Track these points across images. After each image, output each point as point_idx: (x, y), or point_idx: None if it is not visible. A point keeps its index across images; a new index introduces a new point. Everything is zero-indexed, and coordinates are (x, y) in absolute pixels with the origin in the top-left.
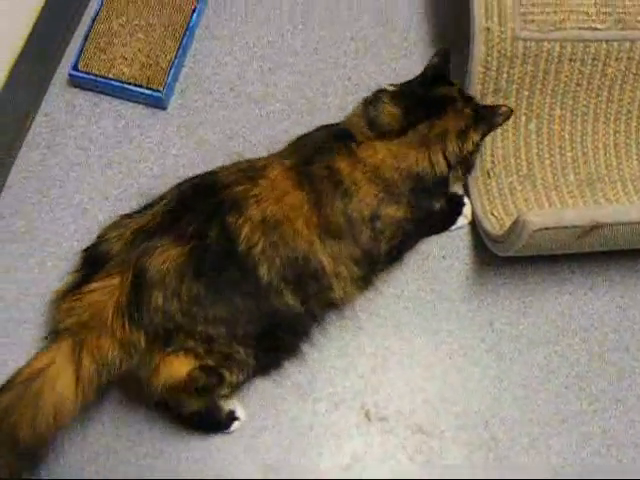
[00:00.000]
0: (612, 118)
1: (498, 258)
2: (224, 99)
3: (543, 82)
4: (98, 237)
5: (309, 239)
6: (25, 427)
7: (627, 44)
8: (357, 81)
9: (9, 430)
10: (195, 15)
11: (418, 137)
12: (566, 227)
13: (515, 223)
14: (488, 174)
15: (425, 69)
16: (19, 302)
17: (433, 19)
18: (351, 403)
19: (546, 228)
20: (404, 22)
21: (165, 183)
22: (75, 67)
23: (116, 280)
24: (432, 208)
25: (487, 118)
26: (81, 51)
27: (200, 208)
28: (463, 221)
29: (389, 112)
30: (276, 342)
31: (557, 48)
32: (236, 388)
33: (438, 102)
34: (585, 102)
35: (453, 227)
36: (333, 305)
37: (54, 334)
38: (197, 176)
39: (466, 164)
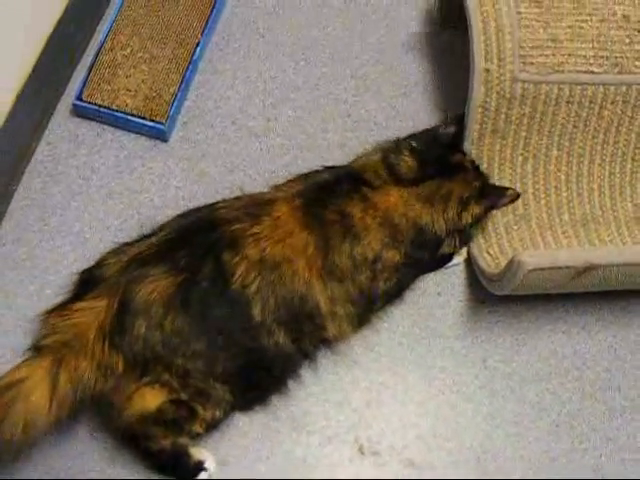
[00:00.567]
0: (607, 160)
1: (492, 296)
2: (225, 132)
3: (540, 123)
4: (97, 262)
5: (309, 280)
6: None
7: (623, 88)
8: (357, 118)
9: None
10: (199, 49)
11: (427, 192)
12: (560, 268)
13: (510, 263)
14: None
15: (442, 135)
16: (17, 328)
17: (434, 59)
18: (345, 437)
19: (541, 268)
20: (404, 61)
21: (166, 214)
22: (79, 97)
23: (103, 302)
24: (422, 258)
25: (492, 195)
26: (85, 81)
27: (197, 242)
28: (459, 259)
29: (406, 163)
30: (258, 379)
31: (555, 90)
32: (212, 426)
33: (452, 166)
34: (581, 144)
35: (449, 264)
36: (326, 342)
37: (37, 349)
38: (200, 208)
39: (462, 235)
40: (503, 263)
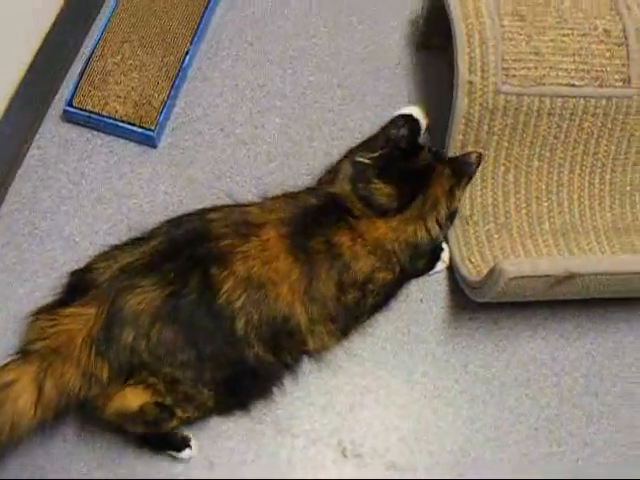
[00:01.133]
0: (587, 170)
1: (474, 303)
2: (213, 139)
3: (522, 134)
4: (86, 265)
5: (291, 303)
6: None
7: (603, 101)
8: (342, 126)
9: None
10: (188, 57)
11: (415, 212)
12: (540, 276)
13: (491, 271)
14: (466, 221)
15: (395, 140)
16: (6, 331)
17: (418, 70)
18: (328, 440)
19: (521, 277)
20: (390, 71)
21: (154, 219)
22: (70, 103)
23: (92, 310)
24: (417, 267)
25: (463, 170)
26: (76, 88)
27: (187, 255)
28: (441, 266)
29: (383, 192)
30: (240, 387)
31: (537, 102)
32: (185, 423)
33: (422, 173)
34: (562, 155)
35: (432, 271)
36: (308, 353)
37: (25, 353)
38: (190, 216)
39: (452, 217)
40: (484, 271)
